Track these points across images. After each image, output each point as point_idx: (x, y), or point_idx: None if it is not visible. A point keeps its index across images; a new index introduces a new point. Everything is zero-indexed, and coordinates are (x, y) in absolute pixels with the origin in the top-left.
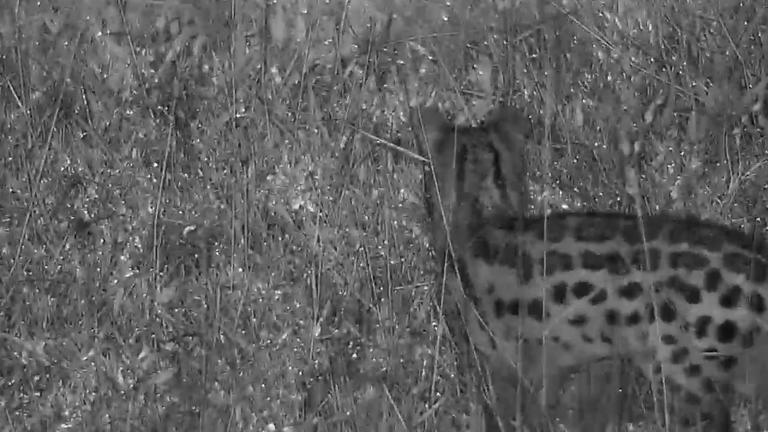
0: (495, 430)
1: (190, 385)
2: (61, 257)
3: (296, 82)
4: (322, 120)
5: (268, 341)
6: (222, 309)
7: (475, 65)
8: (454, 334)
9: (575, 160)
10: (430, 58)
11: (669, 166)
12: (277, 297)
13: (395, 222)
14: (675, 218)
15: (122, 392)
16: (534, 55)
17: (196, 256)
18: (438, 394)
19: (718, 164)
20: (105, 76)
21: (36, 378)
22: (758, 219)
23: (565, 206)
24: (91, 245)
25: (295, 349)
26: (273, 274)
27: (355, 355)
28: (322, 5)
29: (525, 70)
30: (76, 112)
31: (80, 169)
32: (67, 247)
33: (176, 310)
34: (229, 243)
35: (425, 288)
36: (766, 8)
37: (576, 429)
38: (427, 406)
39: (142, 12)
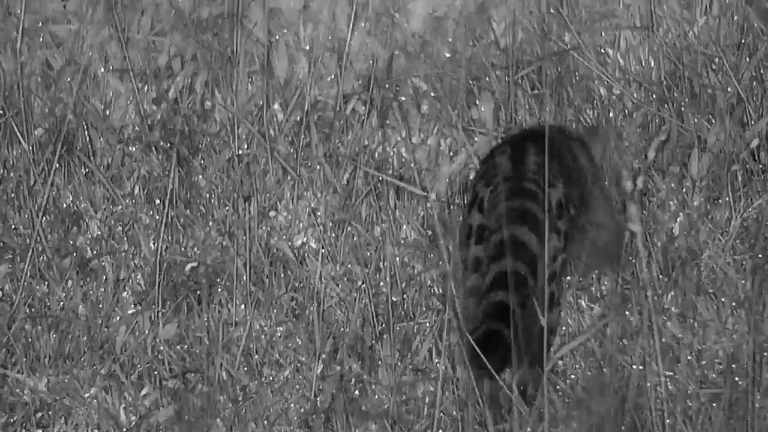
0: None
1: (192, 422)
2: (64, 294)
3: (298, 118)
4: (324, 156)
5: (270, 378)
6: (224, 346)
7: (477, 101)
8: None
9: None
10: (432, 94)
11: (671, 202)
12: (279, 334)
13: (397, 259)
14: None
15: (124, 429)
16: (536, 91)
17: (198, 292)
18: (440, 431)
19: (720, 201)
20: (107, 112)
21: (38, 415)
22: (760, 256)
23: None
24: (93, 282)
25: (297, 386)
26: (275, 310)
27: (357, 392)
28: (324, 42)
29: (527, 106)
30: (79, 148)
31: (82, 206)
32: (70, 283)
33: (178, 346)
34: (232, 280)
35: (428, 325)
36: None
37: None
38: None
39: (144, 49)
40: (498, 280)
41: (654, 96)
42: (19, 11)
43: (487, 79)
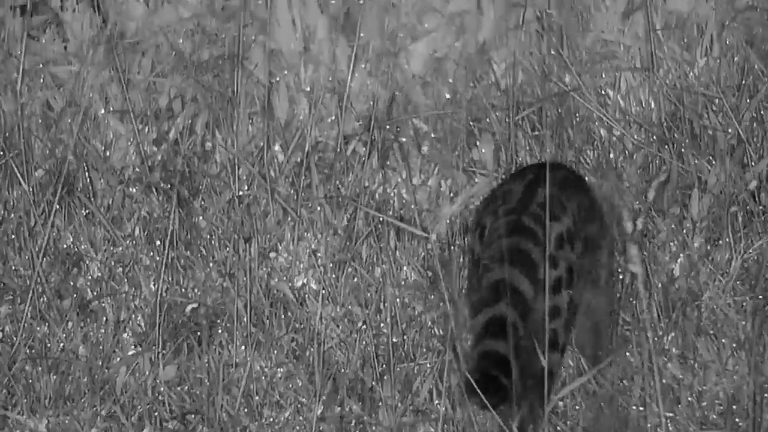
0: None
1: None
2: (64, 335)
3: (299, 159)
4: (324, 197)
5: (271, 419)
6: (224, 387)
7: (477, 142)
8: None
9: None
10: (433, 135)
11: (671, 243)
12: (279, 375)
13: (398, 300)
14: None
15: None
16: (536, 133)
17: (198, 333)
18: None
19: (721, 242)
20: (108, 153)
21: None
22: (761, 297)
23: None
24: (93, 323)
25: (298, 427)
26: (275, 351)
27: None
28: (325, 83)
29: (527, 148)
30: (79, 189)
31: (83, 247)
32: (70, 324)
33: (179, 387)
34: (232, 321)
35: (428, 366)
36: None
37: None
38: None
39: (145, 90)
40: (491, 325)
41: (654, 137)
42: (19, 52)
43: (488, 120)
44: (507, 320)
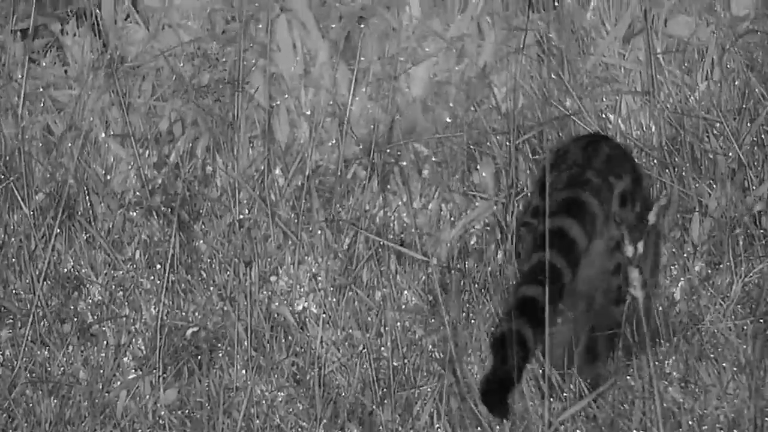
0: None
1: None
2: (64, 359)
3: (299, 183)
4: (325, 221)
5: None
6: (225, 411)
7: (478, 166)
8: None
9: None
10: (434, 159)
11: (672, 267)
12: (280, 399)
13: (398, 323)
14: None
15: None
16: (537, 156)
17: (199, 357)
18: None
19: (722, 266)
20: (108, 177)
21: None
22: (762, 320)
23: None
24: (94, 347)
25: None
26: (276, 375)
27: None
28: (326, 107)
29: (528, 171)
30: (80, 213)
31: (83, 271)
32: (70, 348)
33: (179, 411)
34: (232, 345)
35: (429, 390)
36: None
37: None
38: None
39: (145, 114)
40: (534, 270)
41: (655, 161)
42: (20, 76)
43: (488, 143)
44: (553, 266)
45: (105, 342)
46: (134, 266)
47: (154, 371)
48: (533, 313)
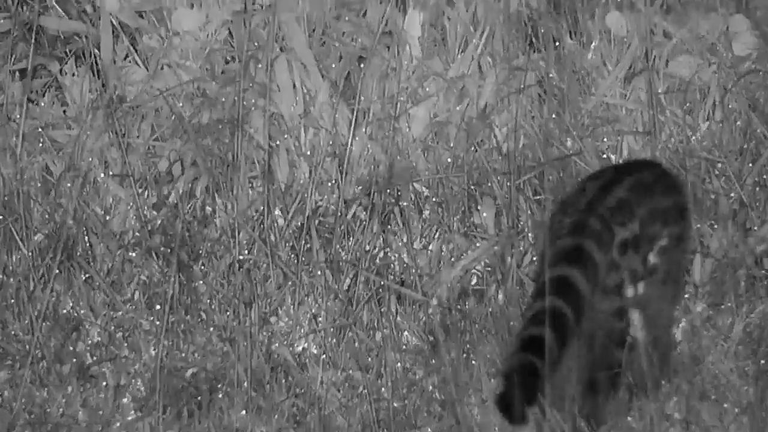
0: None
1: None
2: (64, 400)
3: (299, 224)
4: (325, 262)
5: None
6: None
7: (478, 206)
8: None
9: None
10: (434, 199)
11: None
12: None
13: (399, 364)
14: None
15: None
16: (538, 197)
17: (199, 398)
18: None
19: (723, 307)
20: (107, 218)
21: None
22: (763, 361)
23: None
24: (93, 388)
25: None
26: (276, 416)
27: None
28: (325, 147)
29: (529, 212)
30: (79, 254)
31: (82, 312)
32: (70, 390)
33: None
34: (232, 386)
35: (429, 430)
36: None
37: None
38: None
39: (144, 154)
40: (540, 314)
41: None
42: (18, 116)
43: (489, 184)
44: (559, 311)
45: (104, 383)
46: (133, 307)
47: (154, 412)
48: (541, 351)
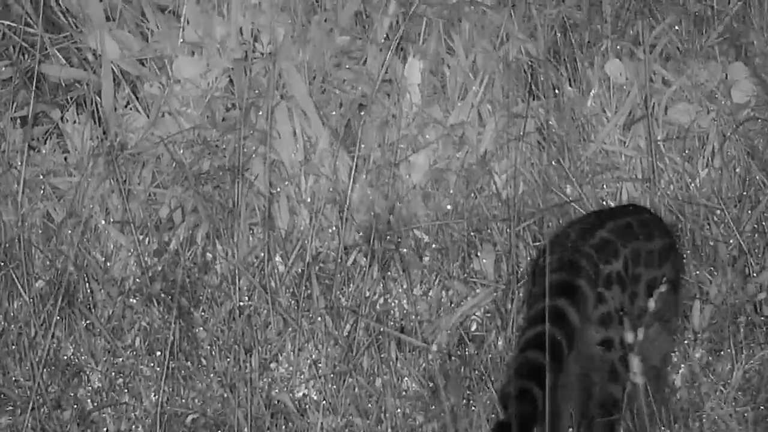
0: None
1: None
2: None
3: (300, 270)
4: (325, 308)
5: None
6: None
7: (478, 253)
8: None
9: None
10: (434, 246)
11: (673, 354)
12: None
13: (399, 410)
14: None
15: None
16: (537, 243)
17: None
18: None
19: (722, 353)
20: (108, 264)
21: None
22: (762, 407)
23: None
24: None
25: None
26: None
27: None
28: (326, 194)
29: (528, 258)
30: (79, 300)
31: (83, 358)
32: None
33: None
34: (233, 431)
35: None
36: None
37: None
38: None
39: (145, 201)
40: (536, 338)
41: None
42: (20, 164)
43: (489, 230)
44: (553, 336)
45: (105, 429)
46: (134, 353)
47: None
48: (539, 376)
